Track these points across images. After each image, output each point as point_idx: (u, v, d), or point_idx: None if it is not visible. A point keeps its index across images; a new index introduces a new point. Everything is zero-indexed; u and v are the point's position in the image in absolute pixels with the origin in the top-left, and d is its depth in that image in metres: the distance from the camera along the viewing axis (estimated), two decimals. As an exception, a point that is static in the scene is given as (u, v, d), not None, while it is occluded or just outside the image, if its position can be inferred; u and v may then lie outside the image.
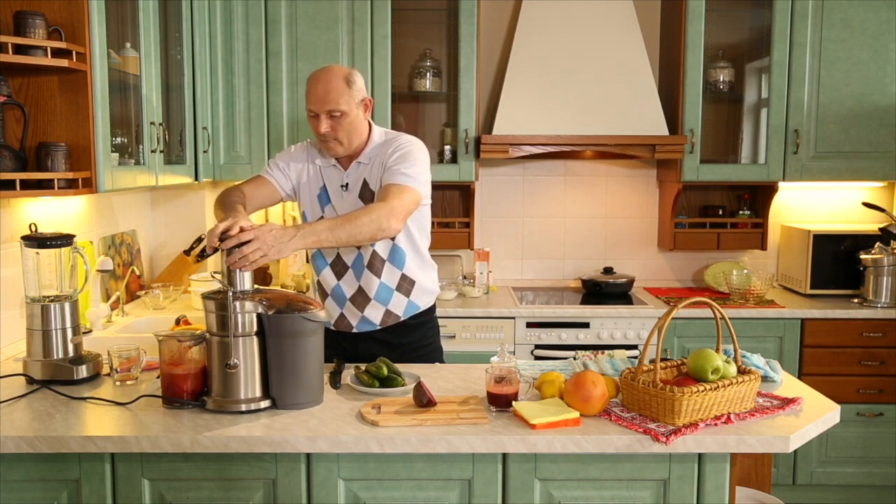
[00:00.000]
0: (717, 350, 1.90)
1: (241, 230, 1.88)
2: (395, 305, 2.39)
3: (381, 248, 2.35)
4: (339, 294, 2.39)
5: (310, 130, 3.44)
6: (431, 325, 2.52)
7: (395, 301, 2.39)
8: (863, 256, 3.49)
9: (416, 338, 2.46)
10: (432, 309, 2.51)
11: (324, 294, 2.43)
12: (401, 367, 2.16)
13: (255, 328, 1.88)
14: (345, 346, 2.43)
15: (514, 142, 3.48)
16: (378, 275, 2.35)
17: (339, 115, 2.22)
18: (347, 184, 2.35)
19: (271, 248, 1.90)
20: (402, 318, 2.42)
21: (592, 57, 3.57)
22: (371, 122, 2.40)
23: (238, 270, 1.89)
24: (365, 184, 2.33)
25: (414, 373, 2.13)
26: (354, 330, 2.41)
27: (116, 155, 2.57)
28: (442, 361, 2.51)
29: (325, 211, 2.38)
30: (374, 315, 2.39)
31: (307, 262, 2.59)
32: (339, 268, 2.38)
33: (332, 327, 2.43)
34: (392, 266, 2.36)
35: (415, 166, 2.25)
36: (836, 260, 3.60)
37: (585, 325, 3.38)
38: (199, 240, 3.50)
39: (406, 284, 2.39)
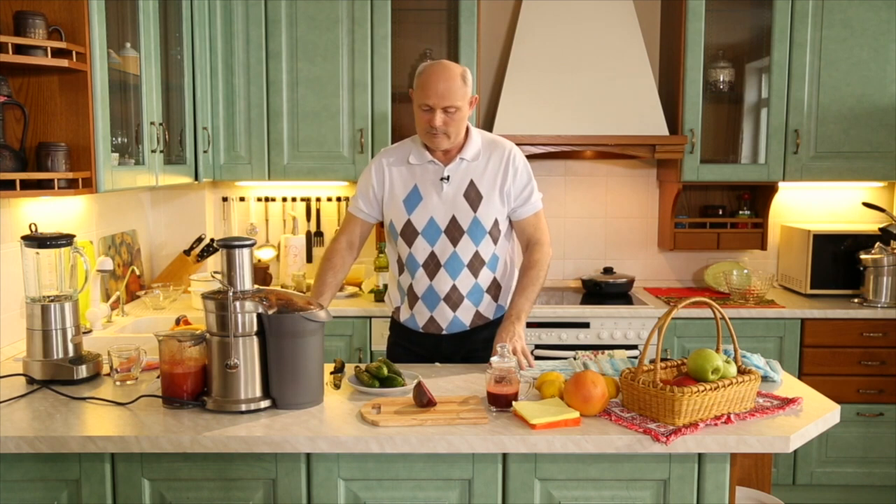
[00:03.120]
0: (717, 350, 1.90)
1: (513, 350, 2.21)
2: (484, 308, 2.43)
3: (484, 251, 2.39)
4: (432, 295, 2.40)
5: (310, 129, 3.47)
6: None
7: (486, 303, 2.43)
8: (863, 256, 3.49)
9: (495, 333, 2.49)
10: None
11: (413, 298, 2.43)
12: (401, 367, 2.16)
13: (255, 328, 1.88)
14: (428, 345, 2.45)
15: (514, 142, 3.45)
16: (475, 275, 2.39)
17: (454, 110, 2.28)
18: (448, 176, 2.37)
19: (523, 338, 2.30)
20: (490, 319, 2.45)
21: (592, 57, 3.57)
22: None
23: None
24: (472, 184, 2.37)
25: (414, 373, 2.13)
26: (444, 332, 2.43)
27: (116, 155, 2.57)
28: None
29: (413, 214, 2.38)
30: (465, 316, 2.41)
31: (392, 266, 2.54)
32: (433, 267, 2.39)
33: (420, 330, 2.45)
34: (488, 269, 2.41)
35: (534, 183, 2.46)
36: (836, 260, 3.60)
37: (585, 325, 3.38)
38: (199, 240, 3.52)
39: (494, 288, 2.44)
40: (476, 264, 2.39)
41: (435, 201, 2.38)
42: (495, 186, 2.38)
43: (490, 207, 2.37)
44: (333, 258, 2.47)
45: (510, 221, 2.46)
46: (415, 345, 2.47)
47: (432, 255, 2.38)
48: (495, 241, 2.41)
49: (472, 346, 2.43)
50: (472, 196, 2.37)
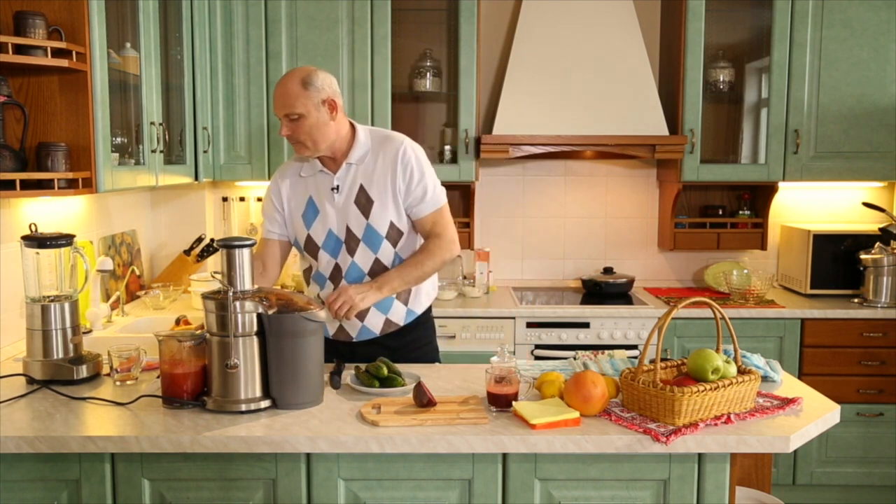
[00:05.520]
0: (717, 350, 1.90)
1: (328, 301, 2.21)
2: (394, 314, 2.39)
3: (385, 257, 2.33)
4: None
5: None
6: (429, 326, 2.52)
7: (395, 309, 2.38)
8: (863, 256, 3.49)
9: (414, 338, 2.45)
10: (429, 309, 2.51)
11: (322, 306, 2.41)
12: (401, 367, 2.16)
13: (255, 328, 1.88)
14: (342, 351, 2.41)
15: (514, 142, 3.48)
16: None
17: (297, 117, 2.20)
18: (338, 186, 2.32)
19: (354, 298, 2.20)
20: (401, 325, 2.41)
21: (592, 57, 3.57)
22: (353, 122, 2.37)
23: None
24: (362, 189, 2.30)
25: (414, 373, 2.13)
26: (354, 339, 2.40)
27: (116, 155, 2.57)
28: (438, 361, 2.51)
29: (312, 228, 2.34)
30: (375, 324, 2.37)
31: (302, 272, 2.53)
32: (338, 279, 2.36)
33: (330, 337, 2.42)
34: None
35: (429, 178, 2.33)
36: (836, 260, 3.60)
37: (585, 325, 3.38)
38: (199, 240, 3.52)
39: (405, 292, 2.38)
40: (378, 270, 2.33)
41: (330, 213, 2.32)
42: (387, 187, 2.29)
43: (384, 210, 2.29)
44: None
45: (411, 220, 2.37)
46: (329, 354, 2.34)
47: (336, 267, 2.35)
48: (395, 244, 2.34)
49: (388, 355, 2.30)
50: (363, 202, 2.29)
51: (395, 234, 2.33)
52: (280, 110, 2.22)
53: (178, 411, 1.88)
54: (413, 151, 2.32)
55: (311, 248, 2.36)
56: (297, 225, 2.38)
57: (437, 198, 2.35)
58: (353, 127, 2.35)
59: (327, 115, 2.24)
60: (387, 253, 2.33)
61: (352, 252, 2.32)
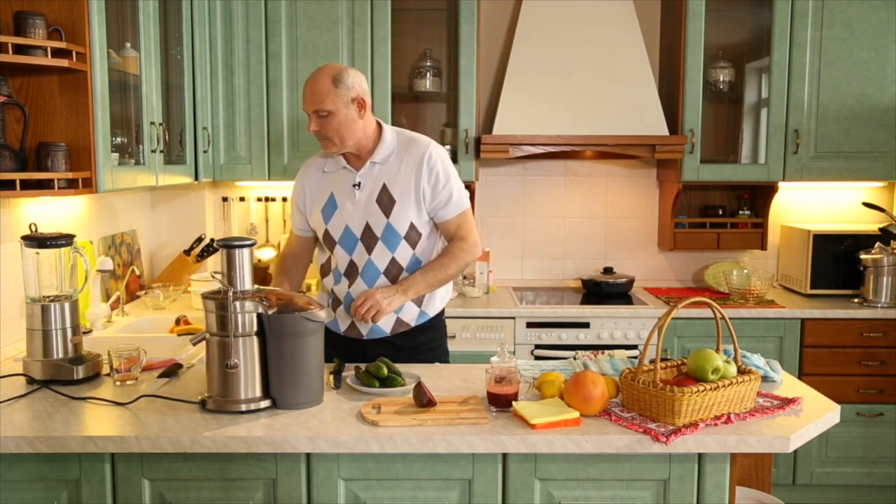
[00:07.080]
0: (717, 350, 1.90)
1: (354, 304, 2.27)
2: (406, 314, 2.38)
3: (402, 257, 2.34)
4: (350, 301, 2.37)
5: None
6: (440, 328, 2.51)
7: (407, 309, 2.38)
8: (863, 256, 3.49)
9: (425, 340, 2.45)
10: (441, 312, 2.50)
11: (336, 302, 2.42)
12: (401, 367, 2.16)
13: (255, 328, 1.88)
14: (353, 348, 2.41)
15: (514, 142, 3.48)
16: (394, 281, 2.34)
17: (326, 114, 2.22)
18: (360, 182, 2.33)
19: (381, 302, 2.24)
20: (413, 326, 2.41)
21: (592, 57, 3.57)
22: (380, 121, 2.39)
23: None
24: (385, 188, 2.30)
25: (414, 373, 2.13)
26: (365, 337, 2.41)
27: (116, 155, 2.57)
28: (448, 363, 2.50)
29: (330, 223, 2.35)
30: (385, 323, 2.37)
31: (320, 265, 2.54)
32: (352, 275, 2.36)
33: (341, 333, 2.42)
34: (407, 274, 2.36)
35: (454, 182, 2.36)
36: (836, 260, 3.60)
37: (585, 325, 3.38)
38: (199, 240, 3.52)
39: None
40: (394, 271, 2.33)
41: (349, 209, 2.33)
42: (410, 188, 2.30)
43: (405, 211, 2.30)
44: (283, 263, 2.56)
45: (434, 222, 2.38)
46: (340, 349, 2.39)
47: (352, 264, 2.35)
48: (414, 246, 2.34)
49: (398, 354, 2.33)
50: (385, 201, 2.30)
51: (414, 236, 2.33)
52: (310, 106, 2.24)
53: (178, 412, 1.88)
54: (439, 155, 2.34)
55: (328, 242, 2.39)
56: (316, 219, 2.40)
57: (462, 201, 2.38)
58: (379, 126, 2.37)
59: (356, 112, 2.26)
60: (404, 254, 2.34)
61: (369, 249, 2.32)
